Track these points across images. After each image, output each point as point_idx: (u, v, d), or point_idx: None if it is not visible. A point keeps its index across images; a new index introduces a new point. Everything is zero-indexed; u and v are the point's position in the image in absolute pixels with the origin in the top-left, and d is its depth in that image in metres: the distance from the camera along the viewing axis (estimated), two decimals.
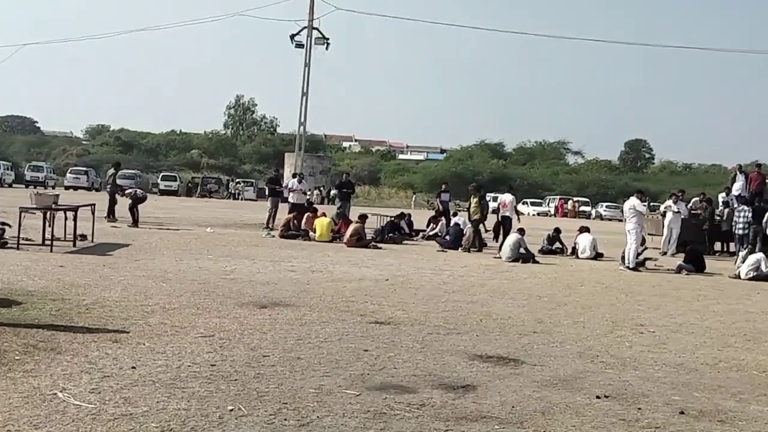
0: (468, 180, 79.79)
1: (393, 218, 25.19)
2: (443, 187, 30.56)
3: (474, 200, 21.92)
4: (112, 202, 24.96)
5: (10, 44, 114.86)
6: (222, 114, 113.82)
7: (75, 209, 16.92)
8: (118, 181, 27.71)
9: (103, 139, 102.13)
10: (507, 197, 23.52)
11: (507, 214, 23.15)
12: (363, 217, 21.92)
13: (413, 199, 72.31)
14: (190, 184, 69.84)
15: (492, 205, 30.80)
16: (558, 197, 75.88)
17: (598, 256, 21.25)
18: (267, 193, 27.89)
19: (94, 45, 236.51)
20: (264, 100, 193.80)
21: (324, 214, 23.40)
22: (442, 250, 21.16)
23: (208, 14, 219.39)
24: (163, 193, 62.87)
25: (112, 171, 26.32)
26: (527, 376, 7.17)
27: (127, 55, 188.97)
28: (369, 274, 14.55)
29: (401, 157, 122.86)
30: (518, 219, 23.26)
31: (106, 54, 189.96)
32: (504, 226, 22.37)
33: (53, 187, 60.15)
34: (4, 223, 15.52)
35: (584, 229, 22.43)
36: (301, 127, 39.91)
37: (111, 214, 24.63)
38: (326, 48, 40.64)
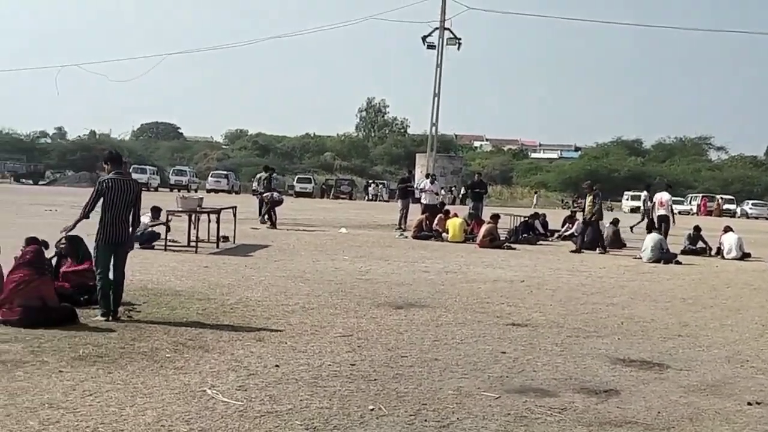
0: (603, 178, 77.78)
1: (527, 218, 24.87)
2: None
3: (589, 198, 21.33)
4: (262, 205, 25.69)
5: (155, 54, 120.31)
6: (354, 116, 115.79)
7: (218, 212, 17.59)
8: (256, 186, 28.46)
9: (242, 143, 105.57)
10: (664, 196, 22.75)
11: (663, 212, 22.38)
12: (496, 218, 21.73)
13: (534, 198, 70.29)
14: (324, 186, 71.22)
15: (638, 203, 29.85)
16: (700, 195, 72.79)
17: (744, 256, 20.28)
18: (398, 194, 28.09)
19: (232, 53, 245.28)
20: (394, 102, 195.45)
21: (456, 215, 23.37)
22: (579, 251, 20.72)
23: (342, 19, 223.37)
24: (298, 195, 64.30)
25: (264, 174, 27.01)
26: (673, 381, 6.93)
27: (263, 61, 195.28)
28: (504, 275, 14.43)
29: (534, 155, 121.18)
30: (673, 219, 22.51)
31: (243, 61, 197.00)
32: (660, 225, 21.71)
33: (195, 190, 62.74)
34: (167, 221, 16.03)
35: (728, 229, 21.47)
36: (433, 128, 40.06)
37: (265, 216, 25.39)
38: (458, 48, 40.65)
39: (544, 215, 26.41)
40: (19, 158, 73.97)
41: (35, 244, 8.66)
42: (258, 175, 28.00)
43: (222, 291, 10.80)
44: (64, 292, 8.75)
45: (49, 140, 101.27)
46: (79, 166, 75.33)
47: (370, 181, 75.04)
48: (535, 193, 75.23)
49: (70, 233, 9.35)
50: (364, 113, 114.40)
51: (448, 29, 40.08)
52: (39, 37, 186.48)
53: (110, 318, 8.30)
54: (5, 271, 8.44)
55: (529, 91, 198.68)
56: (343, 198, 66.15)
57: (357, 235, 22.72)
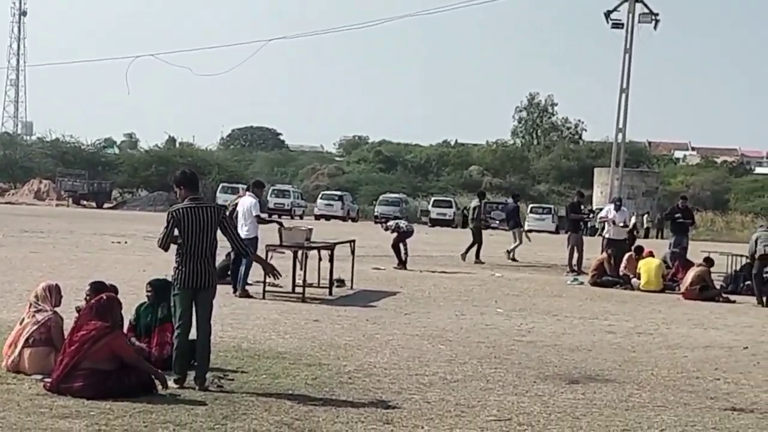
0: None
1: (751, 259, 24.09)
2: None
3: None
4: (477, 242, 27.67)
5: (252, 40, 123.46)
6: (509, 118, 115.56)
7: (331, 247, 17.87)
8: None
9: (360, 154, 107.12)
10: None
11: None
12: (708, 261, 21.20)
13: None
14: (466, 212, 70.99)
15: None
16: None
17: None
18: (567, 225, 28.02)
19: (348, 38, 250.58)
20: (565, 99, 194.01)
21: (651, 254, 22.94)
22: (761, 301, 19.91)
23: None
24: (434, 223, 64.50)
25: (476, 203, 28.60)
26: None
27: (388, 47, 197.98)
28: (719, 339, 14.06)
29: (759, 170, 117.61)
30: None
31: (362, 48, 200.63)
32: None
33: (301, 217, 63.96)
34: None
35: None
36: (619, 134, 39.57)
37: (469, 254, 27.47)
38: (654, 27, 40.13)
39: None
40: (79, 174, 76.53)
41: (103, 290, 9.06)
42: (473, 205, 30.04)
43: (337, 354, 10.98)
44: (140, 354, 9.07)
45: (117, 150, 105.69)
46: (154, 184, 77.75)
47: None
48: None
49: (156, 278, 9.77)
50: (524, 113, 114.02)
51: (641, 2, 39.59)
52: (105, 23, 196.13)
53: (184, 383, 8.65)
54: (66, 326, 8.87)
55: (751, 84, 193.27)
56: (494, 228, 65.85)
57: (514, 280, 22.63)
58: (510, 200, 28.95)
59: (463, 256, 27.59)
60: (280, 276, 11.52)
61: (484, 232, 29.26)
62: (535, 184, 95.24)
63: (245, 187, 18.60)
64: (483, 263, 26.94)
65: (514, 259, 28.45)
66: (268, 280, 16.31)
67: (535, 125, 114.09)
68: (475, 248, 27.62)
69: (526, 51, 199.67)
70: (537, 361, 11.26)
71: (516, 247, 28.94)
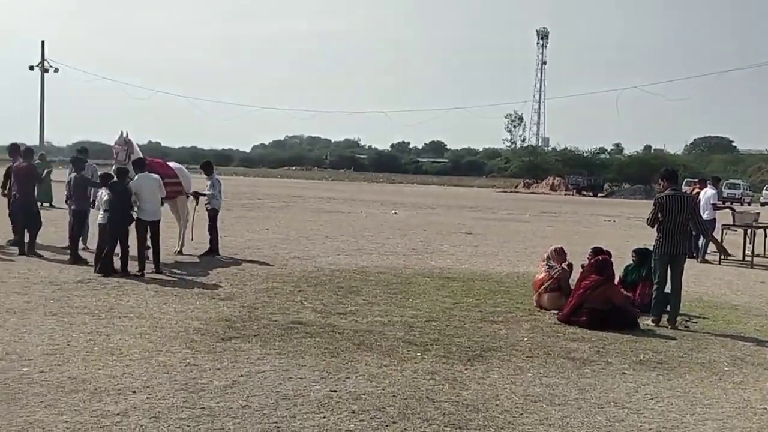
0: None
1: None
2: None
3: None
4: None
5: (711, 72, 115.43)
6: None
7: None
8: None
9: None
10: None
11: None
12: None
13: None
14: None
15: None
16: None
17: None
18: None
19: None
20: None
21: None
22: None
23: None
24: None
25: None
26: None
27: None
28: None
29: None
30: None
31: None
32: None
33: (749, 204, 59.12)
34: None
35: None
36: None
37: None
38: None
39: None
40: (580, 172, 78.13)
41: (600, 253, 9.06)
42: None
43: None
44: (627, 301, 8.91)
45: (607, 156, 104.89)
46: (635, 179, 76.88)
47: None
48: None
49: (640, 247, 9.83)
50: None
51: None
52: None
53: (659, 323, 8.40)
54: (572, 278, 9.00)
55: None
56: None
57: None
58: None
59: None
60: (729, 255, 10.71)
61: None
62: None
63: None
64: None
65: None
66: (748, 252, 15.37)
67: None
68: None
69: None
70: None
71: None
